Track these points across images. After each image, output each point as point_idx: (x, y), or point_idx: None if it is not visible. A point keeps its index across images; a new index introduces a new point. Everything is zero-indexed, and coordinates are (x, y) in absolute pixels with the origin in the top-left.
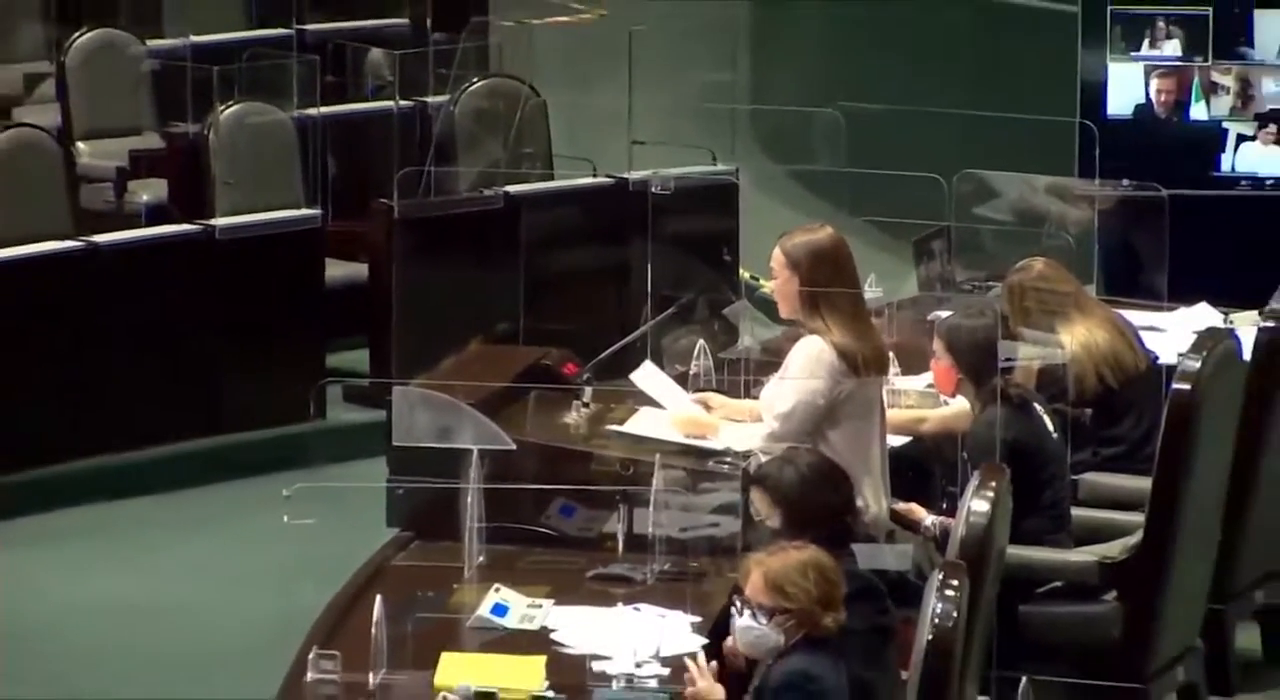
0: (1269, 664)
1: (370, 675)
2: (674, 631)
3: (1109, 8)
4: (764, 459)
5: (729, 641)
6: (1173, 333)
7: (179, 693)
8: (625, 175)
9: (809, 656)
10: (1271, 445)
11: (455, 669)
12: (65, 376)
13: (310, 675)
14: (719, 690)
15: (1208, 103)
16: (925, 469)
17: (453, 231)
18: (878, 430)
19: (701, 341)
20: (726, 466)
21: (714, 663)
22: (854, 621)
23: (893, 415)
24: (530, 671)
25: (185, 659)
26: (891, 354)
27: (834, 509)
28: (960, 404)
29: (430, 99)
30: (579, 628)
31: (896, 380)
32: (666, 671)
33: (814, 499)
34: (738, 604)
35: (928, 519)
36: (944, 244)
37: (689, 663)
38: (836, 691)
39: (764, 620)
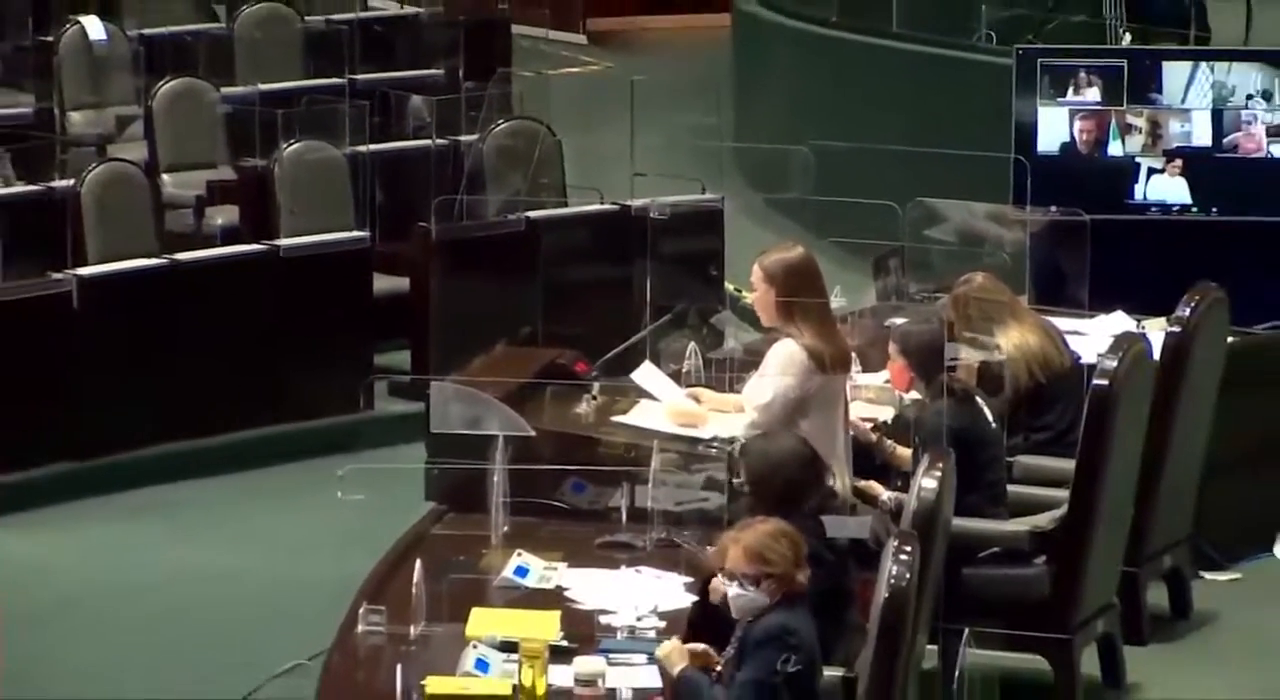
0: (1175, 618)
1: (411, 627)
2: (668, 591)
3: (1039, 61)
4: (752, 448)
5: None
6: (1093, 336)
7: (250, 643)
8: (628, 203)
9: (786, 612)
10: (1176, 432)
11: (483, 622)
12: (152, 373)
13: (360, 627)
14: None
15: (1123, 141)
16: (888, 452)
17: (481, 251)
18: (842, 420)
19: (693, 344)
20: (714, 451)
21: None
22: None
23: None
24: (547, 624)
25: (254, 615)
26: (854, 355)
27: (803, 484)
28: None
29: (462, 138)
30: (588, 587)
31: (858, 377)
32: (662, 624)
33: (783, 476)
34: (724, 579)
35: (885, 495)
36: (898, 261)
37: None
38: (809, 643)
39: (751, 587)
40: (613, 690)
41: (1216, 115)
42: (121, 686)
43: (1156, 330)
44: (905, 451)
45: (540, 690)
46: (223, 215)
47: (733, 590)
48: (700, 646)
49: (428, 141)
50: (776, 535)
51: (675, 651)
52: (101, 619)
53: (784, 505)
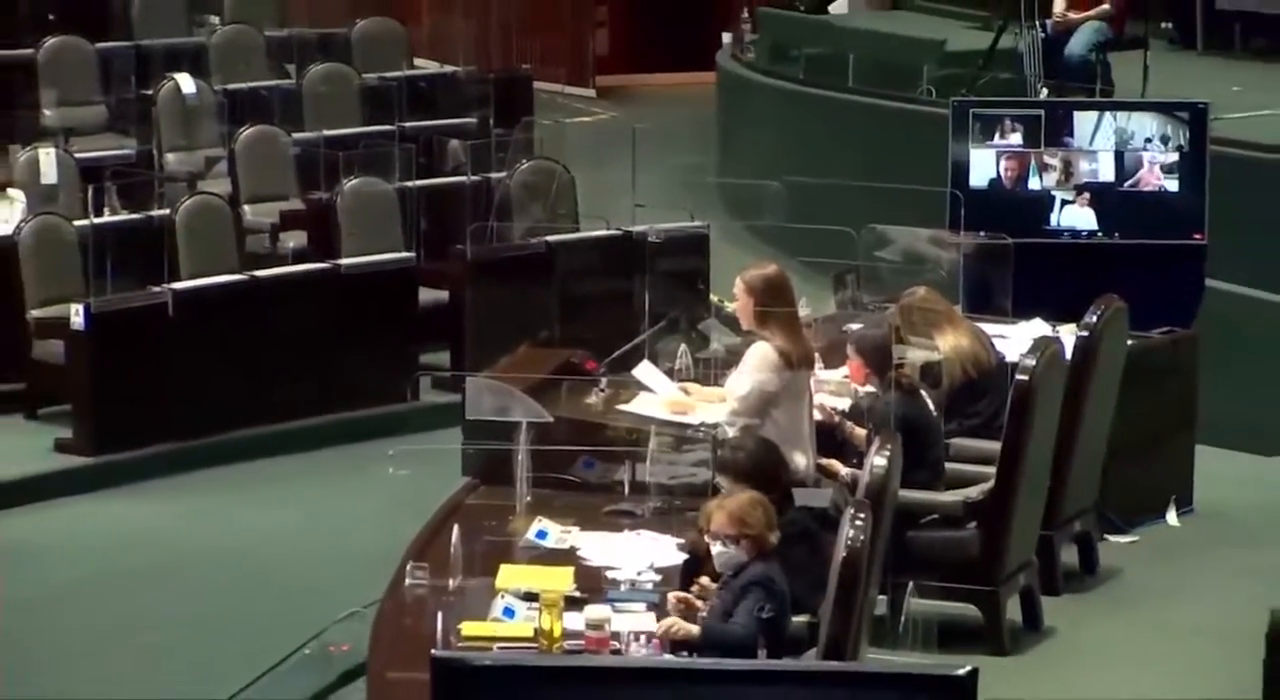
0: (1083, 573)
1: (450, 580)
2: (664, 550)
3: (970, 111)
4: (730, 432)
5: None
6: (1015, 339)
7: (316, 594)
8: (629, 229)
9: (765, 565)
10: (1085, 419)
11: (510, 576)
12: (235, 370)
13: (408, 581)
14: (691, 629)
15: (1040, 177)
16: (847, 433)
17: (508, 269)
18: (807, 408)
19: (683, 346)
20: (701, 434)
21: (697, 585)
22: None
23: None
24: (563, 578)
25: (319, 570)
26: (817, 354)
27: (773, 468)
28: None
29: (492, 175)
30: (597, 547)
31: (821, 373)
32: (659, 578)
33: (756, 465)
34: (709, 539)
35: (843, 471)
36: (854, 277)
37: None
38: (783, 592)
39: (731, 545)
40: (617, 633)
41: (1119, 156)
42: (211, 630)
43: (1068, 334)
44: (861, 433)
45: (557, 633)
46: (293, 239)
47: (716, 548)
48: (685, 594)
49: (463, 178)
50: (754, 504)
51: (674, 623)
52: (194, 573)
53: (760, 485)
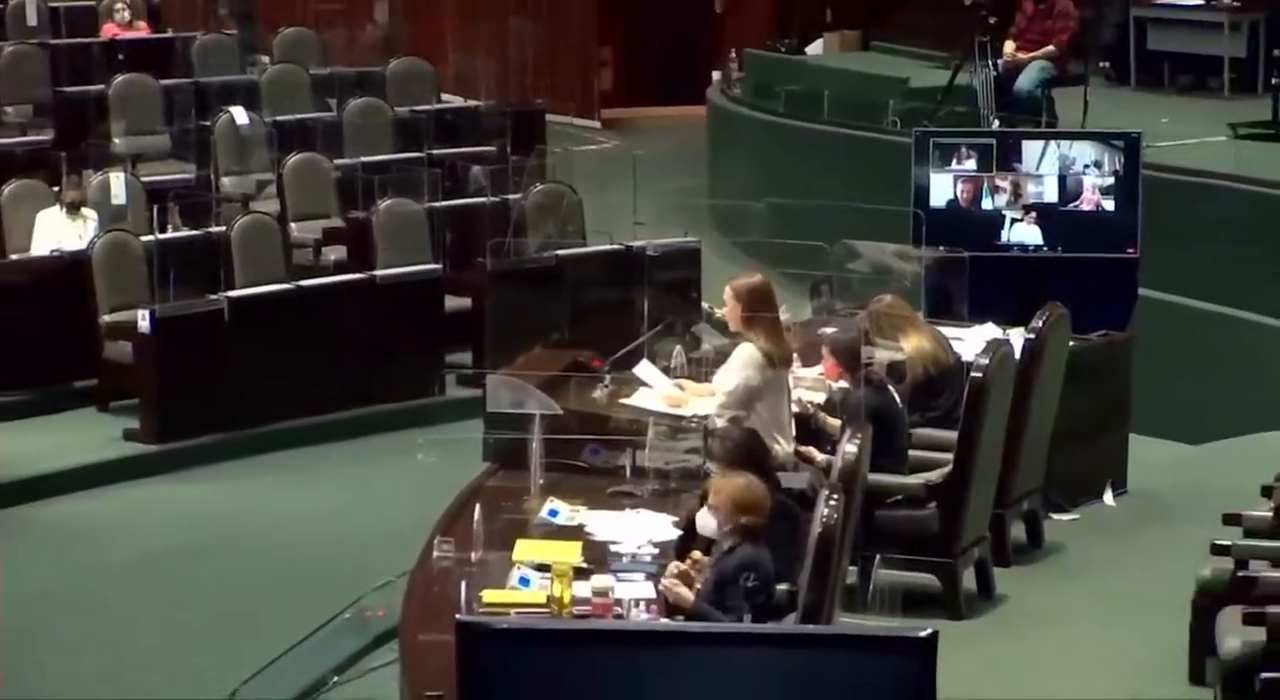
0: (1030, 547)
1: (472, 554)
2: (660, 527)
3: (931, 140)
4: (720, 423)
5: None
6: (970, 341)
7: (354, 564)
8: (630, 244)
9: (753, 548)
10: (1032, 411)
11: (525, 550)
12: (283, 368)
13: (435, 554)
14: (686, 593)
15: (992, 198)
16: (822, 424)
17: (523, 279)
18: (787, 402)
19: (678, 347)
20: (694, 425)
21: (692, 556)
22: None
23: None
24: (572, 551)
25: (357, 543)
26: (796, 354)
27: (756, 454)
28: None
29: (509, 196)
30: (602, 524)
31: (800, 371)
32: (656, 551)
33: (742, 452)
34: (706, 509)
35: (819, 457)
36: (829, 286)
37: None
38: (766, 570)
39: (728, 527)
40: (619, 599)
41: (1062, 179)
42: (260, 598)
43: (1017, 337)
44: (834, 423)
45: (566, 600)
46: (334, 252)
47: (711, 519)
48: (684, 566)
49: (484, 199)
50: (747, 486)
51: (677, 586)
52: (246, 548)
53: (746, 469)
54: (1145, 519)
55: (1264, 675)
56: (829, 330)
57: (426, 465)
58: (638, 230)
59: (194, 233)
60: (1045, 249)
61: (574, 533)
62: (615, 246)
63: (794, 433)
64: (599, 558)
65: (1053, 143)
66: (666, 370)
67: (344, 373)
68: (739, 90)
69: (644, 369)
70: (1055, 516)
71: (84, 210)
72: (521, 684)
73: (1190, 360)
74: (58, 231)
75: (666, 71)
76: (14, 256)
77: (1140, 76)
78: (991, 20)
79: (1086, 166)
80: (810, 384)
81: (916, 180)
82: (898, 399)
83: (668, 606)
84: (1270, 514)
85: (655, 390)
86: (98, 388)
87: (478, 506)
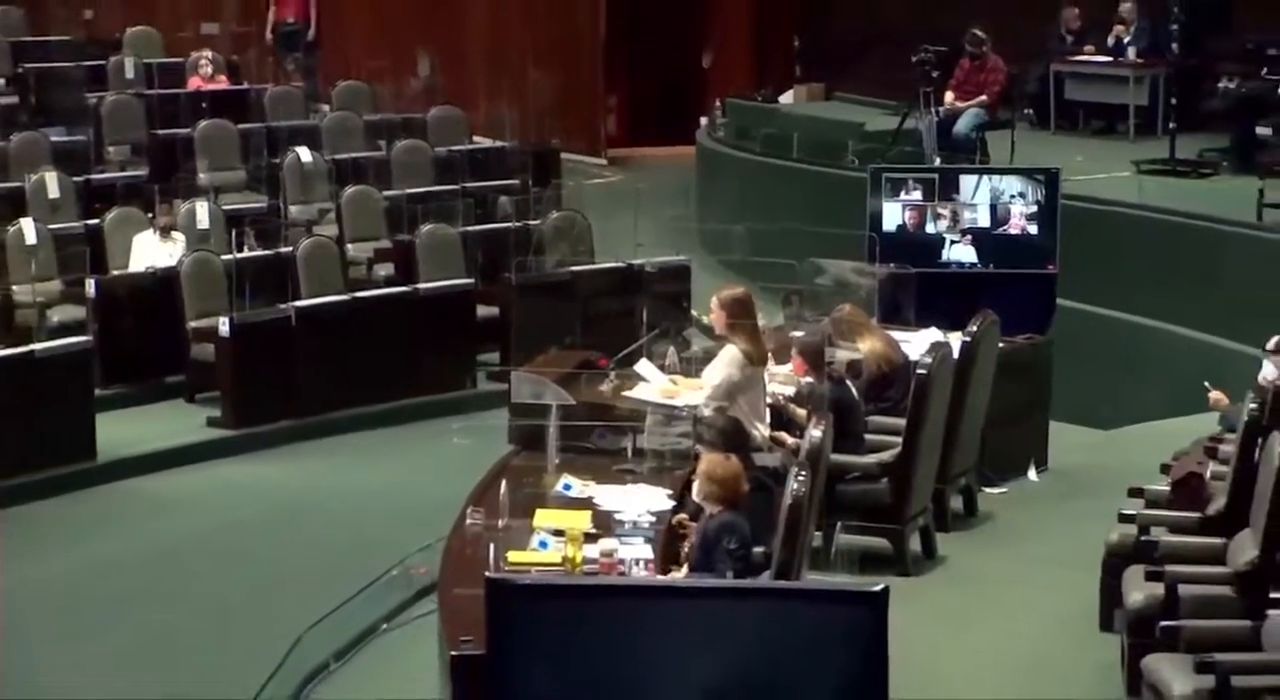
0: (966, 516)
1: (499, 521)
2: (657, 499)
3: (883, 175)
4: (706, 412)
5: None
6: (916, 343)
7: (400, 531)
8: (632, 261)
9: (734, 517)
10: (968, 402)
11: (544, 518)
12: (340, 366)
13: (468, 521)
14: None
15: (935, 224)
16: (792, 413)
17: (542, 291)
18: (763, 394)
19: (672, 348)
20: (685, 413)
21: (680, 518)
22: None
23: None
24: (583, 519)
25: (401, 514)
26: (771, 354)
27: (738, 438)
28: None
29: (531, 222)
30: (608, 496)
31: (774, 369)
32: (654, 519)
33: (726, 436)
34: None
35: (790, 441)
36: (798, 297)
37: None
38: (745, 532)
39: (714, 498)
40: (622, 559)
41: (993, 208)
42: (320, 559)
43: (956, 340)
44: (802, 413)
45: (578, 560)
46: (384, 268)
47: (699, 492)
48: (683, 516)
49: (509, 224)
50: (730, 464)
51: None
52: (309, 516)
53: (728, 450)
54: (1063, 492)
55: (1162, 623)
56: (798, 334)
57: (461, 447)
58: (638, 250)
59: (266, 252)
60: (979, 266)
61: (584, 503)
62: (619, 264)
63: (769, 420)
64: (605, 524)
65: (985, 177)
66: (662, 368)
67: (391, 370)
68: (723, 133)
69: (643, 367)
70: (987, 490)
71: (174, 233)
72: (540, 631)
73: (1100, 359)
74: (152, 251)
75: (662, 117)
76: (115, 273)
77: (1059, 121)
78: (934, 74)
79: (1013, 197)
80: (782, 379)
81: (871, 208)
82: (855, 392)
83: (662, 565)
84: (1167, 488)
85: (652, 384)
86: (185, 382)
87: (504, 481)
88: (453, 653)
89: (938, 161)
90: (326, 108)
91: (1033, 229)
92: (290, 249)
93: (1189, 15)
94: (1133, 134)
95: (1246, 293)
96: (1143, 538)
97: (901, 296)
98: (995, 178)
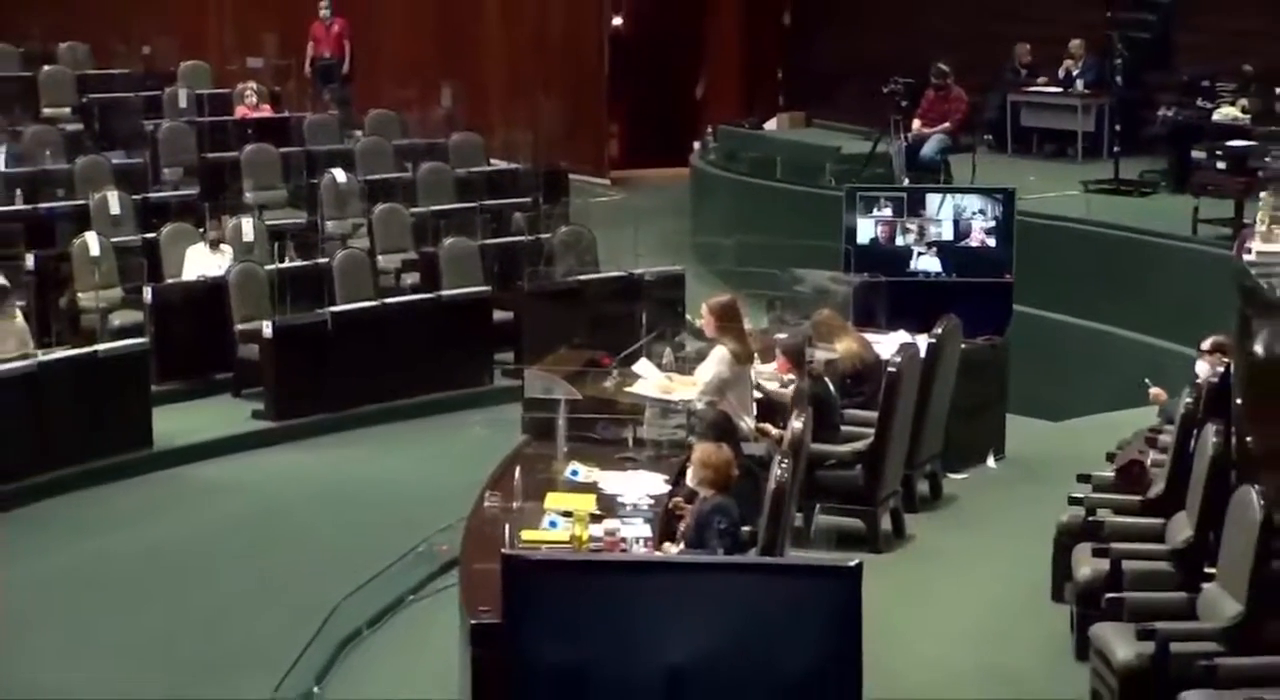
0: (932, 499)
1: (514, 503)
2: (655, 483)
3: (858, 193)
4: (699, 406)
5: (676, 500)
6: (887, 344)
7: (425, 512)
8: (632, 271)
9: (724, 499)
10: (933, 397)
11: (554, 500)
12: (371, 364)
13: (486, 503)
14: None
15: (904, 237)
16: (776, 406)
17: (552, 297)
18: (750, 390)
19: (668, 349)
20: (680, 407)
21: (676, 500)
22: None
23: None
24: (588, 501)
25: (426, 498)
26: (757, 354)
27: (727, 429)
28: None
29: (542, 236)
30: (611, 481)
31: (759, 367)
32: (652, 501)
33: (716, 427)
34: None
35: (774, 431)
36: (781, 303)
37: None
38: (734, 514)
39: (707, 482)
40: (624, 537)
41: (956, 223)
42: (353, 536)
43: (923, 341)
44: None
45: (584, 538)
46: (411, 277)
47: (693, 477)
48: (679, 499)
49: (522, 237)
50: (720, 453)
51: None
52: (343, 499)
53: (719, 440)
54: (1019, 478)
55: (1107, 595)
56: (781, 336)
57: (479, 437)
58: (638, 261)
59: (304, 263)
60: (943, 275)
61: (590, 488)
62: (621, 273)
63: (755, 413)
64: (608, 506)
65: (949, 196)
66: (659, 366)
67: (417, 368)
68: (714, 156)
69: (642, 365)
70: (951, 475)
71: (222, 246)
72: (550, 601)
73: (1052, 358)
74: (202, 262)
75: (659, 141)
76: (170, 281)
77: (1015, 146)
78: (903, 103)
79: (974, 213)
80: (767, 377)
81: (847, 223)
82: (832, 388)
83: (660, 543)
84: (1112, 474)
85: (651, 381)
86: (233, 379)
87: (518, 468)
88: (472, 621)
89: (906, 181)
90: (359, 133)
91: (991, 242)
92: (326, 260)
93: (1131, 51)
94: (1080, 157)
95: (1182, 299)
96: (1090, 518)
97: (874, 302)
98: (958, 196)
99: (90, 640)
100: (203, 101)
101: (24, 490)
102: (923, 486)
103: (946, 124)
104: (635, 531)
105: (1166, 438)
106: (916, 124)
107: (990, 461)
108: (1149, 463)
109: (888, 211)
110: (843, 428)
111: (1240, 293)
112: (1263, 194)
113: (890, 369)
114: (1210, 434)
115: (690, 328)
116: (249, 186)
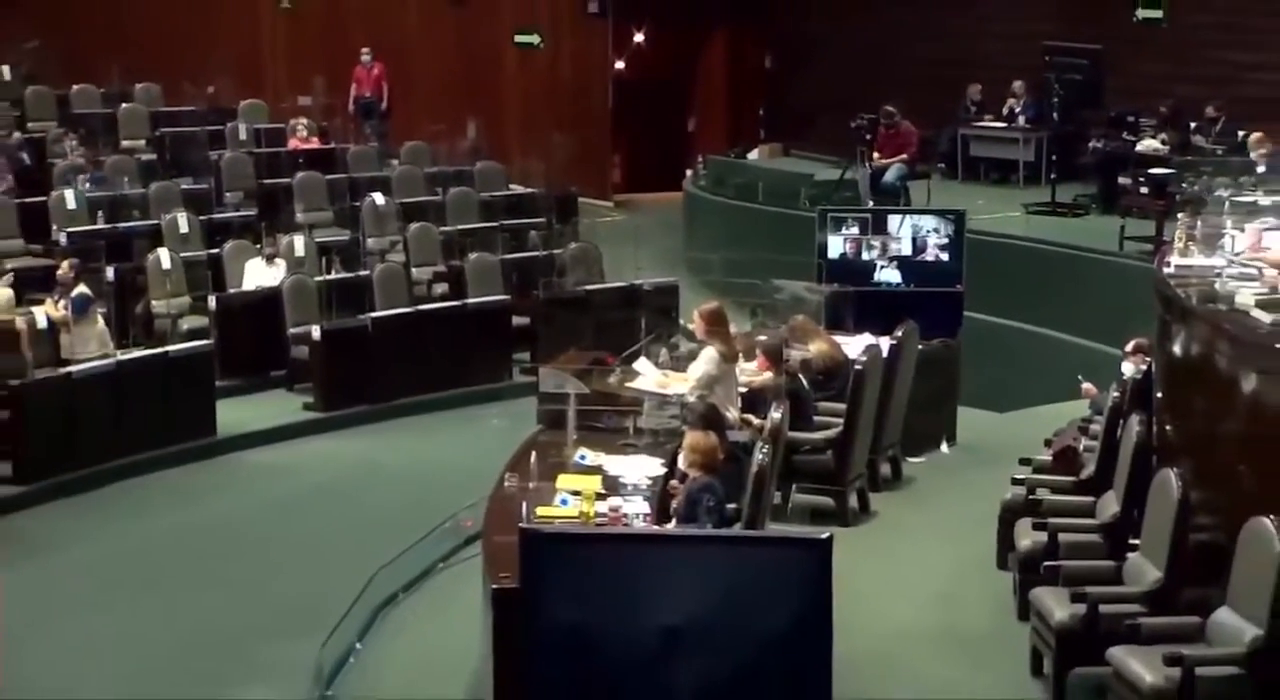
0: (893, 480)
1: (530, 483)
2: (654, 467)
3: (829, 214)
4: (691, 399)
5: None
6: (854, 345)
7: (451, 492)
8: (633, 281)
9: (713, 480)
10: (895, 391)
11: (565, 481)
12: (406, 363)
13: (505, 484)
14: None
15: (869, 253)
16: (760, 401)
17: (563, 305)
18: (735, 386)
19: (664, 349)
20: (675, 400)
21: (671, 484)
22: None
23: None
24: (594, 482)
25: (453, 480)
26: (740, 354)
27: (716, 419)
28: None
29: (555, 251)
30: (614, 464)
31: (743, 365)
32: (650, 482)
33: (706, 418)
34: (681, 451)
35: (756, 421)
36: (762, 310)
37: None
38: (721, 494)
39: (697, 466)
40: (625, 514)
41: (914, 240)
42: (390, 514)
43: (885, 343)
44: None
45: (591, 514)
46: (440, 287)
47: (685, 461)
48: (674, 481)
49: (537, 253)
50: (709, 440)
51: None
52: (382, 481)
53: (709, 429)
54: (968, 462)
55: (1045, 563)
56: (762, 338)
57: (499, 426)
58: (638, 273)
59: (348, 275)
60: (903, 285)
61: (596, 470)
62: (623, 284)
63: (740, 405)
64: (612, 486)
65: (908, 217)
66: (656, 365)
67: (445, 366)
68: (704, 181)
69: (641, 364)
70: (909, 459)
71: (277, 260)
72: (562, 569)
73: (997, 358)
74: (260, 274)
75: (656, 168)
76: (231, 291)
77: (965, 173)
78: (868, 136)
79: (930, 232)
80: (750, 374)
81: (819, 241)
82: (807, 384)
83: (657, 519)
84: (1049, 458)
85: (649, 377)
86: (286, 375)
87: (533, 453)
88: (494, 587)
89: (871, 204)
90: (396, 162)
91: (945, 257)
92: (367, 272)
93: (1066, 92)
94: (1022, 183)
95: (1110, 307)
96: (1030, 496)
97: (843, 309)
98: (915, 217)
99: (167, 598)
100: (260, 135)
101: (105, 472)
102: (885, 469)
103: (904, 155)
104: (636, 508)
105: (1096, 427)
106: (878, 154)
107: (944, 447)
108: (1081, 448)
109: (855, 230)
110: (815, 418)
111: (1160, 301)
112: (1180, 214)
113: (857, 367)
114: (1134, 424)
115: (683, 331)
116: (300, 208)
